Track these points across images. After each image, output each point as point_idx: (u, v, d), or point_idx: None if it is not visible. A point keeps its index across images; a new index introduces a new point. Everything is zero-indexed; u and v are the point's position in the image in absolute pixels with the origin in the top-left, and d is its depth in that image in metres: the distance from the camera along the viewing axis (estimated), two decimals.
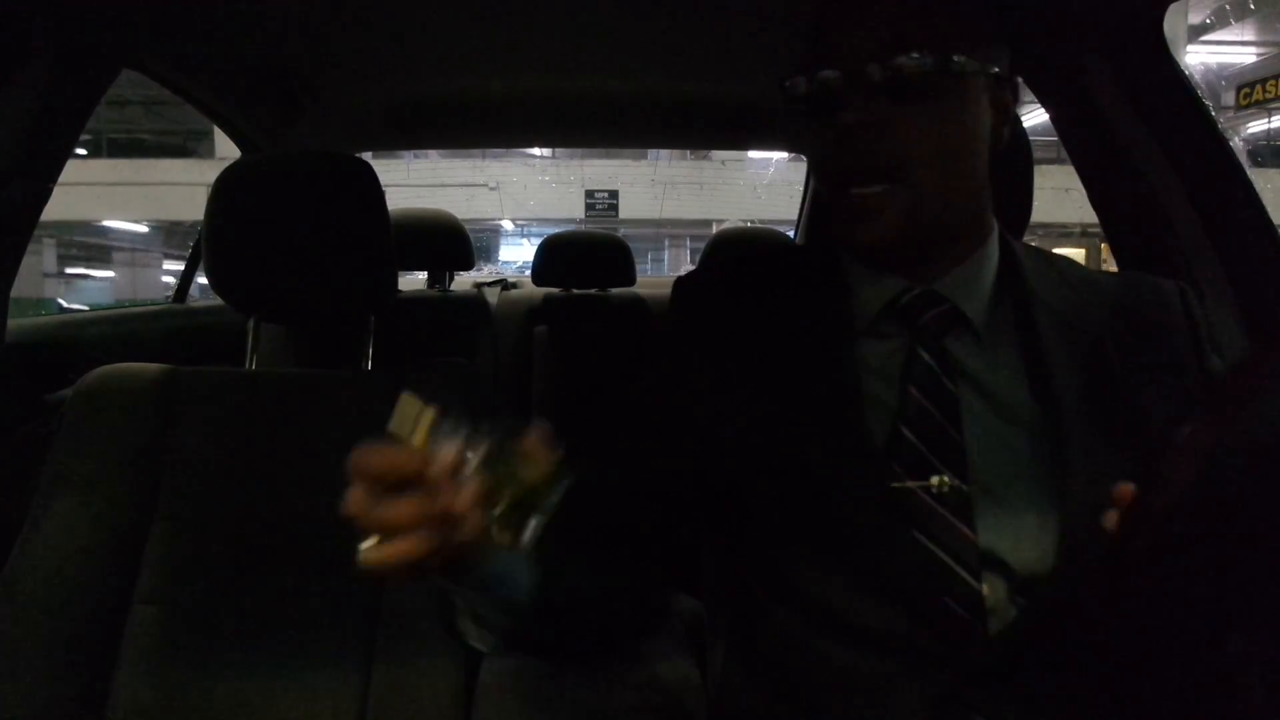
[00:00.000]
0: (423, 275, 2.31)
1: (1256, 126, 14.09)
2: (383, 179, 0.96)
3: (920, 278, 0.64)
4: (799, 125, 1.90)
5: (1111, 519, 0.48)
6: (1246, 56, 13.60)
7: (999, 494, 0.59)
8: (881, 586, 0.58)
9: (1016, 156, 0.83)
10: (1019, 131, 0.84)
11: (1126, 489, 0.47)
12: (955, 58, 0.58)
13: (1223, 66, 13.83)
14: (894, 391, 0.62)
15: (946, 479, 0.58)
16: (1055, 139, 1.17)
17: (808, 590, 0.61)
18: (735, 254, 1.61)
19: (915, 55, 0.58)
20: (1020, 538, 0.58)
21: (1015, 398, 0.61)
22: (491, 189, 15.16)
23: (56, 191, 1.03)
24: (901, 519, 0.58)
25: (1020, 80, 0.67)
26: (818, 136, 0.62)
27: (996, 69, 0.62)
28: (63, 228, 15.36)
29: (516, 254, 18.50)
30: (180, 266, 1.99)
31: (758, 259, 0.73)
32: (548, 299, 2.17)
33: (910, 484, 0.59)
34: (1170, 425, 0.54)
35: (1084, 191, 1.12)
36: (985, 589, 0.57)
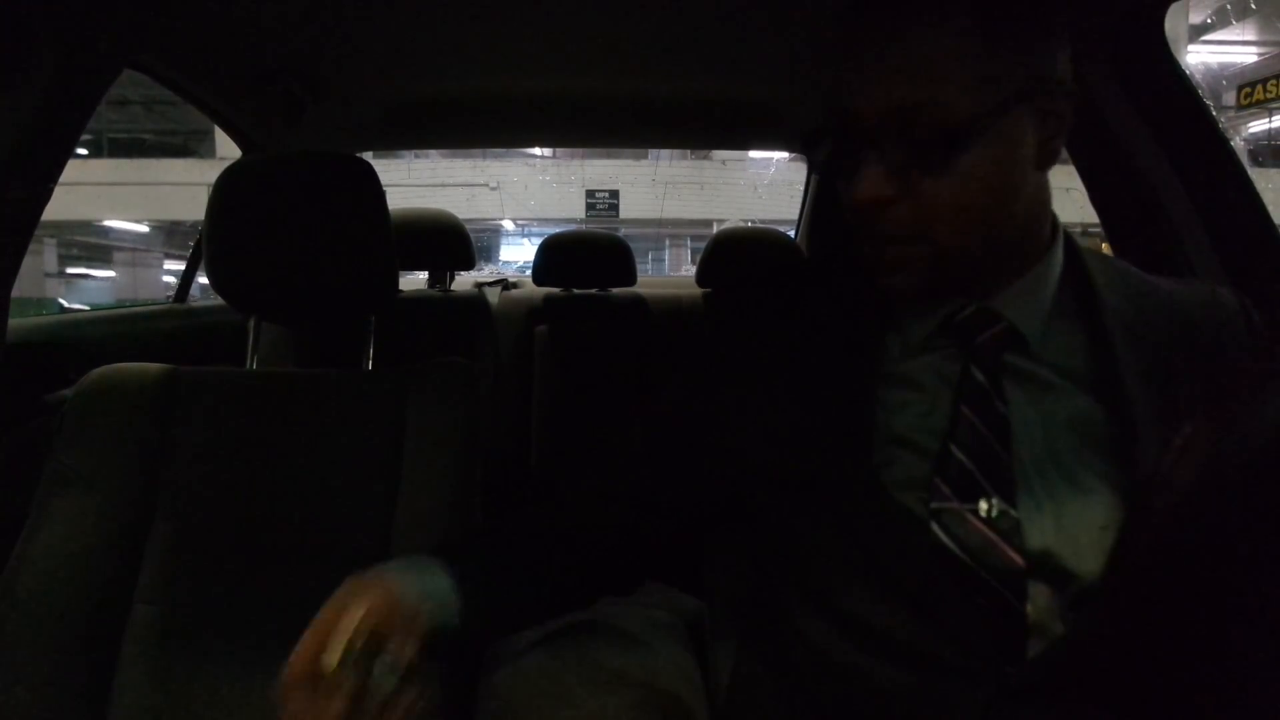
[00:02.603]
0: (423, 275, 2.31)
1: (1257, 126, 14.07)
2: (383, 179, 0.96)
3: (975, 294, 0.62)
4: (804, 128, 1.90)
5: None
6: (1247, 56, 13.58)
7: (1049, 514, 0.57)
8: (921, 606, 0.57)
9: None
10: None
11: None
12: (981, 106, 0.53)
13: (1224, 66, 13.81)
14: (943, 408, 0.60)
15: (996, 503, 0.57)
16: None
17: (841, 604, 0.61)
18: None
19: (932, 116, 0.54)
20: (1068, 558, 0.56)
21: (1074, 413, 0.59)
22: (492, 189, 15.16)
23: (57, 191, 1.02)
24: (947, 537, 0.57)
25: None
26: (842, 191, 0.60)
27: (1041, 80, 0.56)
28: (64, 227, 15.38)
29: (517, 254, 18.49)
30: (181, 266, 1.99)
31: (799, 272, 0.72)
32: (548, 299, 2.17)
33: (958, 506, 0.57)
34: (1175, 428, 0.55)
35: (1085, 191, 1.12)
36: (1029, 609, 0.56)
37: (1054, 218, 0.64)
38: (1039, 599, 0.56)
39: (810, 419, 0.63)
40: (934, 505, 0.58)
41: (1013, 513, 0.57)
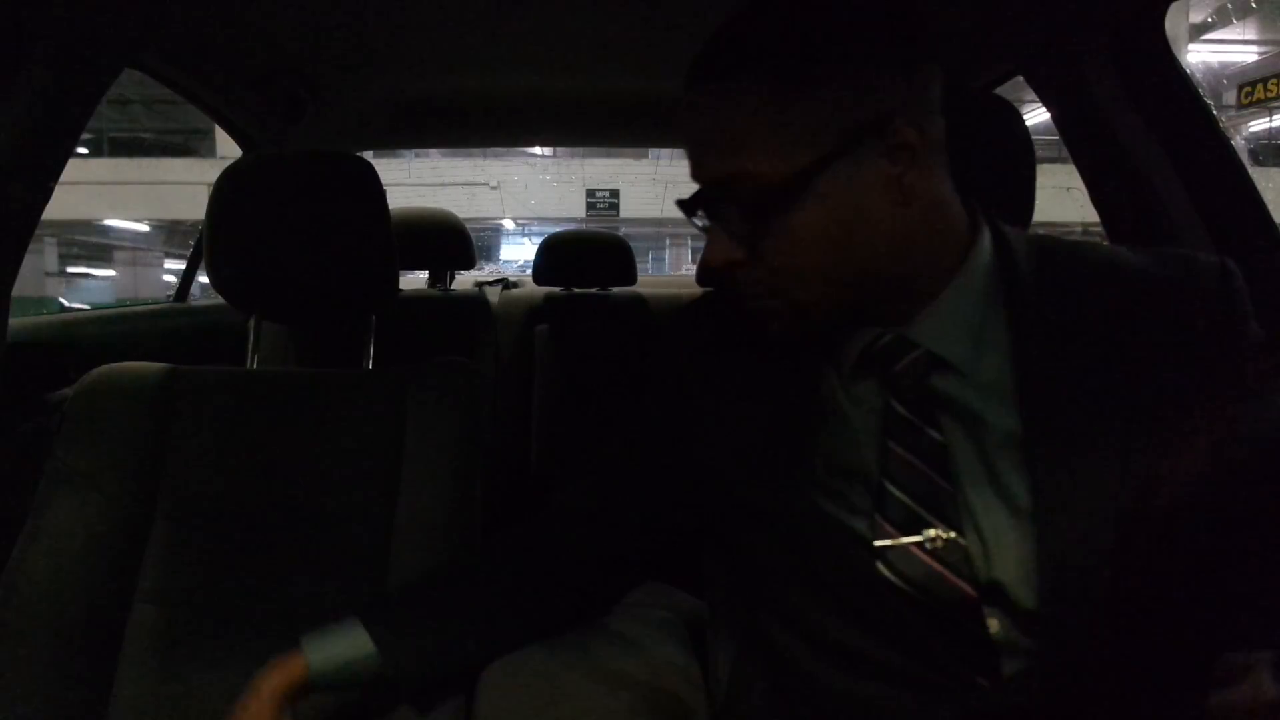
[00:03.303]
0: (424, 274, 2.31)
1: (1258, 125, 14.05)
2: (384, 178, 0.96)
3: (891, 322, 0.59)
4: None
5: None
6: (1248, 55, 13.56)
7: (993, 533, 0.55)
8: (881, 632, 0.57)
9: (1018, 155, 0.83)
10: (1019, 131, 0.84)
11: None
12: (796, 165, 0.52)
13: (1224, 65, 13.79)
14: (872, 442, 0.59)
15: (940, 533, 0.55)
16: (1056, 138, 1.17)
17: (808, 623, 0.61)
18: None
19: (749, 185, 0.53)
20: (1017, 576, 0.54)
21: (1008, 432, 0.56)
22: (493, 188, 15.15)
23: (58, 190, 1.02)
24: (893, 575, 0.56)
25: (1018, 78, 0.62)
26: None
27: (872, 122, 0.52)
28: (64, 227, 15.37)
29: (518, 253, 18.49)
30: (181, 266, 1.99)
31: None
32: (549, 298, 2.17)
33: (902, 540, 0.56)
34: (1187, 420, 0.53)
35: (1085, 190, 1.12)
36: (995, 626, 0.54)
37: (968, 220, 0.60)
38: (1002, 620, 0.55)
39: (764, 442, 0.62)
40: (877, 544, 0.56)
41: (960, 541, 0.55)
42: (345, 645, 0.68)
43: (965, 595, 0.54)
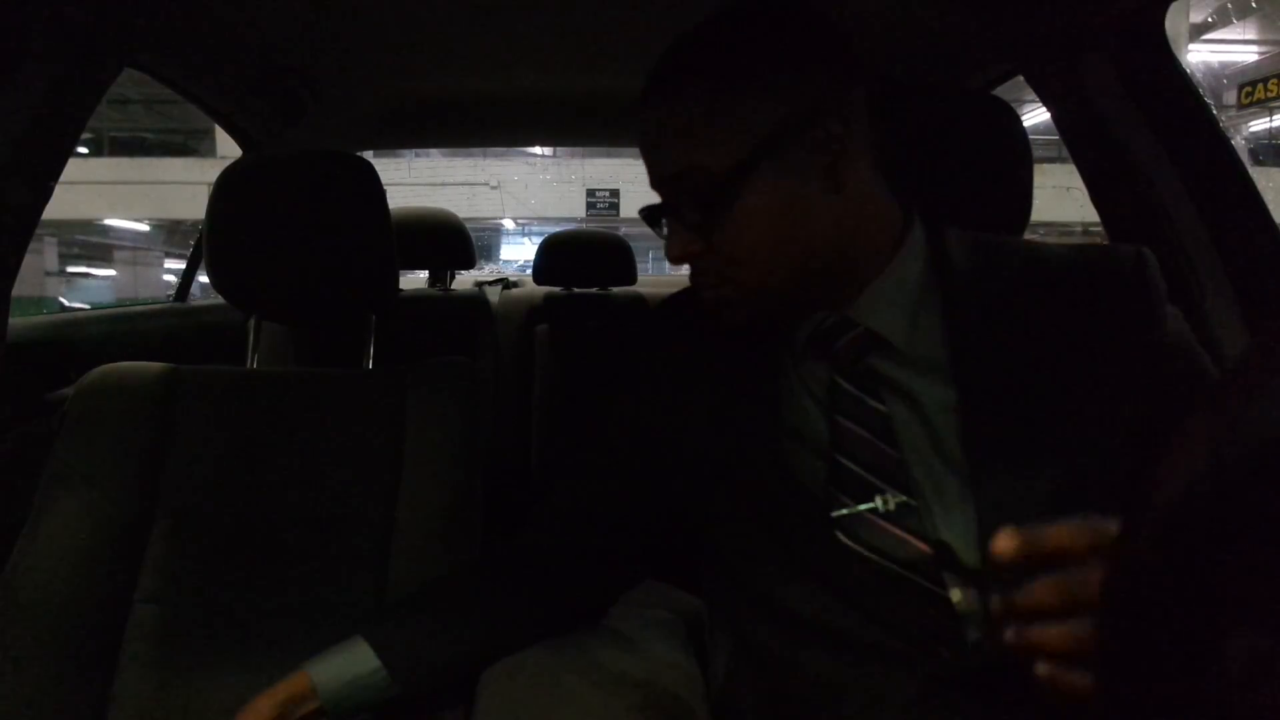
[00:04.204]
0: (424, 274, 2.31)
1: (1258, 125, 14.05)
2: (384, 178, 0.96)
3: (835, 305, 0.64)
4: None
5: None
6: (1248, 55, 13.56)
7: (943, 501, 0.59)
8: (849, 602, 0.59)
9: (1016, 156, 0.83)
10: (1016, 131, 0.84)
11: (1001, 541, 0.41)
12: (731, 159, 0.58)
13: (1224, 65, 13.79)
14: (821, 417, 0.63)
15: (889, 497, 0.59)
16: (1055, 137, 1.17)
17: (782, 606, 0.63)
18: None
19: (694, 180, 0.59)
20: (963, 535, 0.58)
21: (943, 400, 0.60)
22: (493, 188, 15.15)
23: (58, 190, 1.02)
24: (852, 542, 0.59)
25: (1018, 79, 0.64)
26: None
27: (799, 116, 0.58)
28: (64, 226, 15.37)
29: (518, 253, 18.50)
30: (181, 265, 1.99)
31: None
32: (549, 298, 2.17)
33: (858, 508, 0.60)
34: (1113, 406, 0.57)
35: (1085, 190, 1.12)
36: (955, 593, 0.57)
37: (901, 214, 0.65)
38: (960, 585, 0.57)
39: (731, 429, 0.66)
40: (834, 514, 0.60)
41: (911, 502, 0.59)
42: (349, 662, 0.68)
43: (921, 554, 0.58)
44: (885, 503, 0.59)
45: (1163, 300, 0.61)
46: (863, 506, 0.59)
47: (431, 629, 0.71)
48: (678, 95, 0.60)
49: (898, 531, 0.59)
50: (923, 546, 0.58)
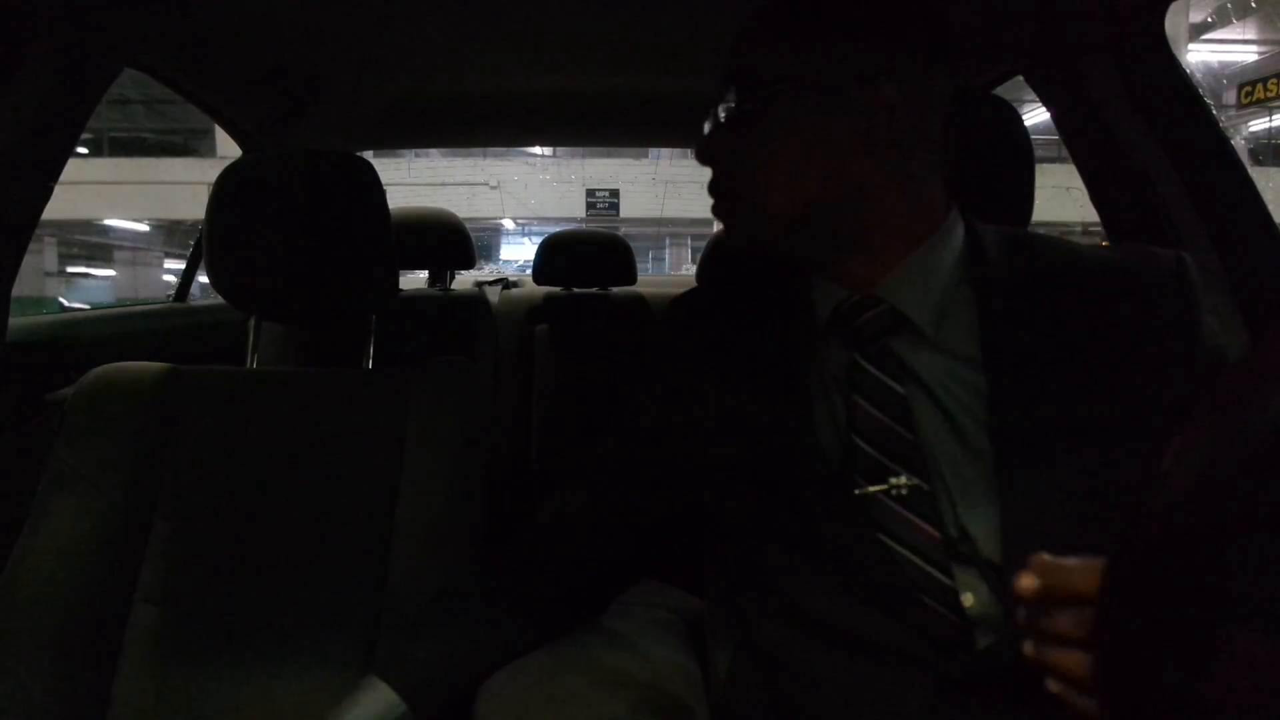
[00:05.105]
0: (424, 274, 2.31)
1: (1258, 125, 14.06)
2: (383, 178, 0.96)
3: (861, 284, 0.64)
4: None
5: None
6: (1248, 55, 13.57)
7: (961, 492, 0.58)
8: (857, 591, 0.59)
9: (1017, 156, 0.83)
10: (1017, 130, 0.84)
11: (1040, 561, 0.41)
12: (782, 80, 0.60)
13: (1224, 65, 13.80)
14: (840, 398, 0.63)
15: (904, 479, 0.59)
16: (1056, 137, 1.17)
17: (794, 601, 0.63)
18: (729, 266, 1.62)
19: (746, 82, 0.62)
20: (986, 526, 0.57)
21: (971, 388, 0.60)
22: (492, 188, 15.16)
23: (58, 190, 1.03)
24: (866, 524, 0.59)
25: (1019, 79, 0.64)
26: None
27: (855, 78, 0.60)
28: (64, 226, 15.38)
29: (518, 253, 18.50)
30: (181, 265, 1.99)
31: (747, 273, 0.75)
32: (549, 298, 2.17)
33: (871, 489, 0.59)
34: (1145, 408, 0.57)
35: (1085, 190, 1.12)
36: (969, 600, 0.57)
37: (944, 205, 0.65)
38: (971, 580, 0.57)
39: (750, 411, 0.66)
40: (855, 493, 0.60)
41: (924, 486, 0.58)
42: (373, 708, 0.67)
43: (932, 540, 0.57)
44: (898, 485, 0.59)
45: (1200, 307, 0.61)
46: (874, 487, 0.59)
47: (448, 657, 0.71)
48: (775, 16, 0.63)
49: (908, 515, 0.58)
50: (933, 533, 0.57)
